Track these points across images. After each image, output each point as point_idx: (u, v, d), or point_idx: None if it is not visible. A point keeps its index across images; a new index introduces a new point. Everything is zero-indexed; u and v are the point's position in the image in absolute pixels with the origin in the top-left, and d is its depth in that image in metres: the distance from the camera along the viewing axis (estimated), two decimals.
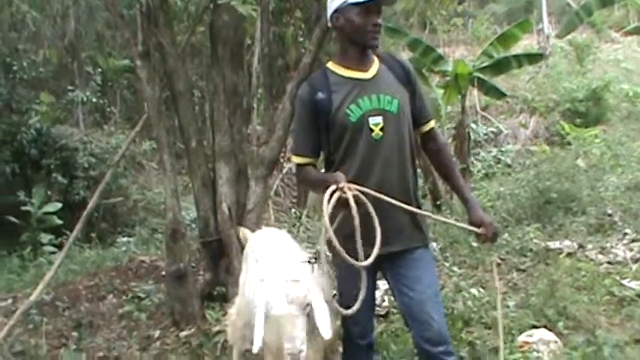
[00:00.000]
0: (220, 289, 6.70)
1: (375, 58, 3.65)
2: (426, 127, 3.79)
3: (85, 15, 16.39)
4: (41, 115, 14.79)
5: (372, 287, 3.72)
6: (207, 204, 6.87)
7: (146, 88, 6.82)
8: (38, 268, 9.73)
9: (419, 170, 3.80)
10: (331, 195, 3.25)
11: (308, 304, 3.33)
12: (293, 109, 6.32)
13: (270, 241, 4.46)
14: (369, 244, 3.23)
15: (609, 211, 7.92)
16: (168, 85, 7.04)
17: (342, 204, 3.27)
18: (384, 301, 5.84)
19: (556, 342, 4.84)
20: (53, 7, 15.77)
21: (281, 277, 3.41)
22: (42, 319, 6.97)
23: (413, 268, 3.49)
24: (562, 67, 19.90)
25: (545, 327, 5.11)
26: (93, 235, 11.28)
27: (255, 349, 3.26)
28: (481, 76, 11.68)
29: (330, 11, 3.56)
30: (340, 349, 3.99)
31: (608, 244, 7.09)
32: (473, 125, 15.94)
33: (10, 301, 8.04)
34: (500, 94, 12.54)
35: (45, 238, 11.96)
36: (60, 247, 10.11)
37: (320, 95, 3.51)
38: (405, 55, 13.18)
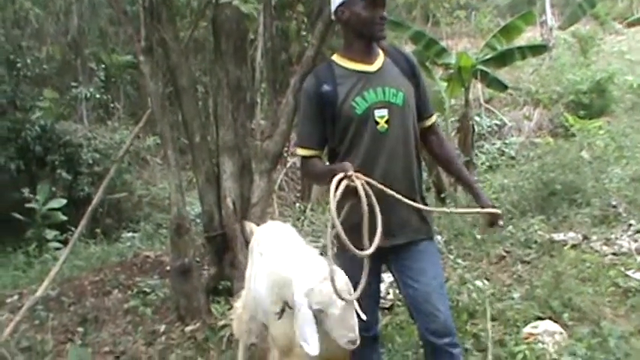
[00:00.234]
0: (225, 283, 6.71)
1: (380, 51, 3.65)
2: (429, 122, 3.80)
3: (88, 11, 16.46)
4: (44, 110, 14.80)
5: (377, 280, 3.73)
6: (212, 199, 6.89)
7: (149, 84, 6.84)
8: (43, 264, 9.75)
9: (422, 163, 3.78)
10: (338, 184, 3.24)
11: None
12: (296, 103, 6.35)
13: (275, 235, 4.46)
14: (374, 235, 3.23)
15: (614, 203, 7.90)
16: (171, 81, 7.05)
17: (349, 193, 3.27)
18: (388, 293, 5.85)
19: (561, 333, 4.84)
20: (56, 3, 15.83)
21: (314, 276, 3.37)
22: (48, 314, 7.00)
23: (418, 260, 3.49)
24: (565, 59, 19.86)
25: (550, 318, 5.11)
26: (98, 230, 11.29)
27: (315, 352, 3.22)
28: (484, 68, 11.65)
29: (334, 5, 3.56)
30: None
31: (612, 236, 7.08)
32: (477, 118, 15.91)
33: (16, 297, 8.07)
34: (502, 87, 12.51)
35: (50, 234, 11.98)
36: (65, 243, 10.12)
37: (325, 88, 3.52)
38: (408, 48, 13.17)
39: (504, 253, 7.03)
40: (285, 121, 6.71)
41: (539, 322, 5.01)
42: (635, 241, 6.83)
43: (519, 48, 11.82)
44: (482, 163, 14.43)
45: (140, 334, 6.49)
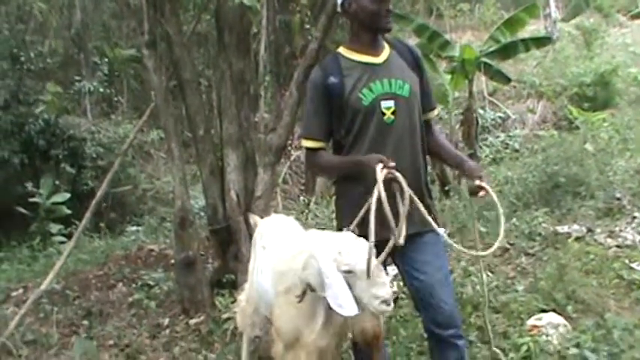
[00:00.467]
0: (229, 276, 6.71)
1: (386, 44, 3.66)
2: (430, 115, 3.81)
3: (91, 5, 16.46)
4: (47, 104, 14.81)
5: None
6: (216, 192, 6.89)
7: (153, 77, 6.84)
8: (48, 258, 9.78)
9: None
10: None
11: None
12: (300, 96, 6.35)
13: (278, 227, 4.46)
14: (382, 226, 3.23)
15: (618, 195, 7.89)
16: (174, 74, 7.04)
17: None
18: (392, 286, 5.85)
19: (565, 325, 4.84)
20: None
21: (337, 243, 3.35)
22: (52, 308, 7.02)
23: (423, 252, 3.50)
24: (569, 51, 19.82)
25: (554, 311, 5.11)
26: (102, 224, 11.32)
27: (354, 311, 3.17)
28: (488, 61, 11.64)
29: None
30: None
31: (616, 228, 7.07)
32: (480, 110, 15.91)
33: (20, 290, 8.09)
34: (506, 79, 12.50)
35: (54, 228, 11.99)
36: (69, 236, 10.14)
37: (332, 79, 3.53)
38: (411, 41, 13.15)
39: (508, 246, 7.03)
40: (288, 114, 6.71)
41: (543, 315, 5.00)
42: (639, 233, 6.82)
43: (523, 40, 11.80)
44: (486, 156, 14.43)
45: (144, 327, 6.50)
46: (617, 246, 6.60)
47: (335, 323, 3.53)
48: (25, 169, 14.20)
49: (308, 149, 3.70)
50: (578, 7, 15.43)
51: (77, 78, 16.59)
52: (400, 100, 3.52)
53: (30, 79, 15.33)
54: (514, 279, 6.05)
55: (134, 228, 11.81)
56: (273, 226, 4.51)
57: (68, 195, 12.91)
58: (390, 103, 3.49)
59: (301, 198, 12.30)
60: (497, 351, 4.34)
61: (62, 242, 10.94)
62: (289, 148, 14.27)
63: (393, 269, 4.88)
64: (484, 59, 11.55)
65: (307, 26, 13.33)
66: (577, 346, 4.48)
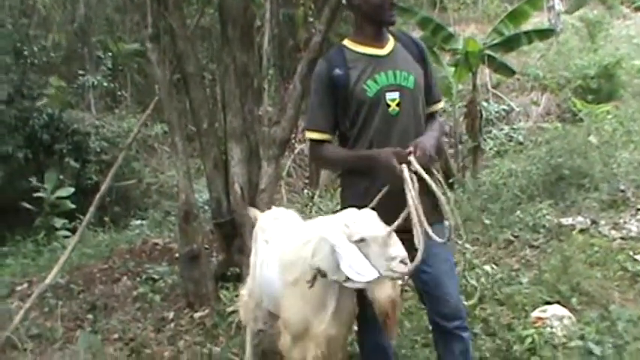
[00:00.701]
0: (234, 269, 6.72)
1: (390, 36, 3.66)
2: (435, 108, 3.81)
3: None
4: (49, 98, 14.81)
5: None
6: (220, 185, 6.90)
7: (157, 71, 6.85)
8: (52, 253, 9.80)
9: None
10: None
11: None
12: (304, 89, 6.35)
13: (279, 221, 4.46)
14: (393, 218, 3.23)
15: (622, 187, 7.89)
16: (178, 68, 7.05)
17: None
18: (402, 283, 5.85)
19: (569, 317, 4.83)
20: None
21: (344, 218, 3.36)
22: (57, 302, 7.04)
23: (429, 244, 3.49)
24: (573, 43, 19.75)
25: (558, 303, 5.11)
26: (106, 218, 11.35)
27: (374, 274, 3.14)
28: (491, 53, 11.62)
29: None
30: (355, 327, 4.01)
31: (621, 220, 7.07)
32: (484, 103, 15.88)
33: (25, 285, 8.11)
34: (510, 72, 12.48)
35: (58, 222, 12.02)
36: (73, 231, 10.16)
37: (337, 71, 3.53)
38: (415, 34, 13.14)
39: (512, 238, 7.04)
40: (292, 107, 6.70)
41: (547, 307, 5.00)
42: None
43: (526, 33, 11.77)
44: (490, 149, 14.41)
45: (149, 321, 6.51)
46: (622, 238, 6.61)
47: (344, 311, 3.54)
48: (30, 163, 14.21)
49: (312, 141, 3.69)
50: None
51: (81, 72, 16.62)
52: (405, 92, 3.52)
53: (34, 74, 15.35)
54: (518, 271, 6.05)
55: (138, 222, 11.83)
56: (274, 220, 4.52)
57: (72, 189, 12.93)
58: (395, 95, 3.49)
59: (305, 191, 12.29)
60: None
61: (66, 236, 10.97)
62: (293, 141, 14.27)
63: None
64: (488, 52, 11.53)
65: (311, 19, 13.35)
66: (581, 338, 4.48)
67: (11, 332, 6.10)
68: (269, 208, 5.12)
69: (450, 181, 10.34)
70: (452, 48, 12.10)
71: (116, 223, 11.83)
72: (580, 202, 7.69)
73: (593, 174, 8.20)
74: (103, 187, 7.74)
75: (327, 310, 3.49)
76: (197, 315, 6.43)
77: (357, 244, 3.20)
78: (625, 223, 6.99)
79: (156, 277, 7.51)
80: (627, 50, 18.49)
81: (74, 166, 14.40)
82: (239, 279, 6.30)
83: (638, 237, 6.54)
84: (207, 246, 7.50)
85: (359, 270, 3.15)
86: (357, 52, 3.57)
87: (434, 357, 4.02)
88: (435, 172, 3.44)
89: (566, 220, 7.18)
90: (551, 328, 4.70)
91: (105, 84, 16.63)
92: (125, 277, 7.88)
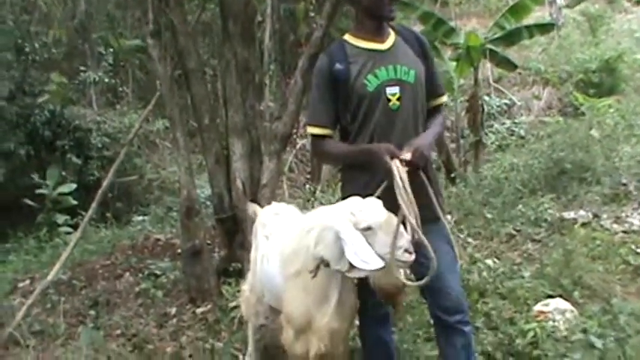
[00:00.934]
0: (236, 264, 6.72)
1: (391, 31, 3.66)
2: (438, 101, 3.80)
3: None
4: (51, 94, 14.82)
5: None
6: (221, 180, 6.90)
7: (158, 67, 6.85)
8: (54, 249, 9.80)
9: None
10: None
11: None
12: (305, 84, 6.35)
13: (280, 215, 4.47)
14: (394, 212, 3.23)
15: (624, 181, 7.89)
16: (180, 63, 7.05)
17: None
18: (407, 272, 5.86)
19: (572, 311, 4.84)
20: None
21: (349, 206, 3.37)
22: (59, 298, 7.04)
23: (429, 239, 3.49)
24: (575, 37, 19.76)
25: (560, 296, 5.12)
26: (108, 214, 11.33)
27: (379, 264, 3.15)
28: (493, 47, 11.63)
29: None
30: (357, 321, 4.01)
31: (623, 214, 7.08)
32: (486, 97, 15.91)
33: (27, 281, 8.12)
34: (512, 66, 12.48)
35: (60, 218, 12.01)
36: (75, 227, 10.16)
37: (338, 66, 3.53)
38: (416, 29, 13.11)
39: (514, 232, 7.04)
40: (294, 102, 6.70)
41: (549, 300, 5.01)
42: None
43: (527, 27, 11.77)
44: (492, 143, 14.43)
45: (151, 317, 6.52)
46: (624, 231, 6.62)
47: (347, 304, 3.55)
48: (31, 160, 14.20)
49: (314, 136, 3.69)
50: None
51: (82, 68, 16.60)
52: (405, 86, 3.52)
53: (35, 70, 15.34)
54: (520, 265, 6.05)
55: (140, 218, 11.83)
56: (274, 215, 4.52)
57: (74, 185, 12.92)
58: (395, 90, 3.49)
59: (307, 186, 12.30)
60: None
61: (68, 233, 10.96)
62: (295, 136, 14.28)
63: None
64: (489, 46, 11.53)
65: (312, 14, 13.34)
66: (584, 331, 4.48)
67: (14, 329, 6.11)
68: (270, 203, 5.12)
69: (452, 175, 10.35)
70: (453, 42, 12.10)
71: (118, 219, 11.81)
72: (582, 196, 7.69)
73: (595, 168, 8.20)
74: (105, 183, 7.75)
75: (330, 302, 3.49)
76: (199, 310, 6.43)
77: (364, 233, 3.20)
78: (627, 216, 6.99)
79: (158, 272, 7.51)
80: (629, 44, 18.49)
81: (76, 163, 14.39)
82: (241, 274, 6.29)
83: None
84: (209, 241, 7.50)
85: (365, 258, 3.15)
86: (358, 47, 3.57)
87: (436, 351, 4.02)
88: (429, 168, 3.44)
89: (568, 214, 7.19)
90: (554, 321, 4.70)
91: (106, 80, 16.62)
92: (127, 273, 7.88)
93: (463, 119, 12.67)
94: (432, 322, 3.83)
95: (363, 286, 3.51)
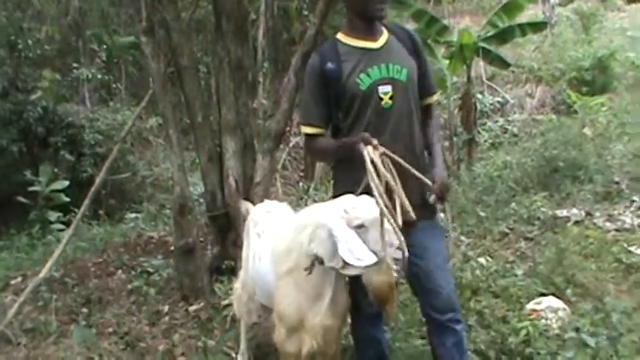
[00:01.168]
0: (229, 262, 6.71)
1: (384, 29, 3.66)
2: (429, 100, 3.81)
3: None
4: (43, 91, 14.78)
5: None
6: (214, 178, 6.90)
7: (151, 64, 6.83)
8: (47, 246, 9.76)
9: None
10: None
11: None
12: (298, 82, 6.35)
13: (272, 213, 4.47)
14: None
15: (616, 179, 7.91)
16: (173, 61, 7.03)
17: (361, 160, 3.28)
18: (397, 270, 5.86)
19: (564, 309, 4.85)
20: None
21: (342, 203, 3.37)
22: (51, 296, 7.01)
23: (421, 238, 3.49)
24: (568, 35, 19.77)
25: (553, 294, 5.13)
26: (101, 211, 11.31)
27: (373, 259, 3.15)
28: (486, 46, 11.63)
29: None
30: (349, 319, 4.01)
31: (615, 212, 7.09)
32: (479, 95, 15.92)
33: (19, 279, 8.08)
34: (505, 64, 12.48)
35: (53, 216, 11.96)
36: (68, 224, 10.13)
37: (330, 65, 3.53)
38: (409, 27, 13.11)
39: (507, 230, 7.06)
40: (287, 100, 6.71)
41: (542, 299, 5.02)
42: (638, 217, 6.85)
43: (520, 25, 11.78)
44: (485, 141, 14.44)
45: (144, 315, 6.50)
46: (616, 230, 6.63)
47: (340, 302, 3.56)
48: (24, 157, 14.18)
49: (307, 135, 3.70)
50: None
51: (75, 65, 16.56)
52: (398, 85, 3.52)
53: (28, 67, 15.30)
54: (513, 263, 6.07)
55: (133, 215, 11.78)
56: (266, 213, 4.52)
57: (67, 182, 12.87)
58: (388, 88, 3.50)
59: (300, 184, 12.32)
60: None
61: (61, 230, 10.92)
62: (288, 134, 14.27)
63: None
64: (482, 44, 11.54)
65: (305, 12, 13.34)
66: (576, 329, 4.50)
67: (5, 326, 6.08)
68: (263, 201, 5.13)
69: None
70: (446, 40, 12.10)
71: (111, 216, 11.79)
72: (574, 194, 7.71)
73: (588, 166, 8.23)
74: (98, 181, 7.72)
75: (324, 300, 3.50)
76: (192, 308, 6.42)
77: (357, 230, 3.21)
78: (619, 214, 7.01)
79: (151, 270, 7.50)
80: (621, 42, 18.50)
81: (69, 160, 14.37)
82: (234, 272, 6.28)
83: (633, 229, 6.57)
84: (202, 239, 7.49)
85: (358, 255, 3.15)
86: (350, 46, 3.57)
87: (428, 349, 4.02)
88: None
89: (561, 212, 7.20)
90: (546, 320, 4.71)
91: (99, 77, 16.59)
92: (120, 271, 7.86)
93: (456, 117, 12.67)
94: (424, 320, 3.83)
95: (355, 284, 3.51)
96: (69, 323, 6.52)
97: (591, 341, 4.30)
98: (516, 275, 5.58)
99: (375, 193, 3.16)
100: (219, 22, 6.94)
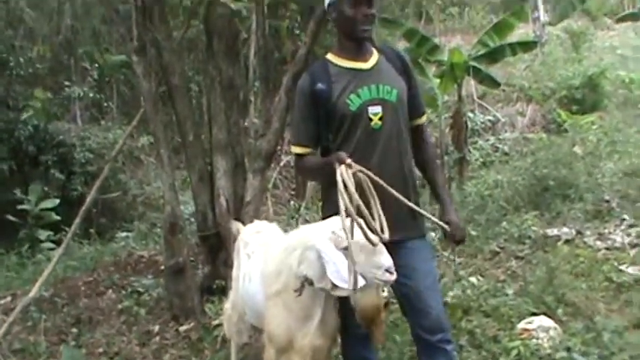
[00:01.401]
0: (219, 282, 6.70)
1: (374, 50, 3.67)
2: (418, 121, 3.81)
3: (80, 11, 16.40)
4: (35, 111, 14.77)
5: None
6: (205, 197, 6.90)
7: (142, 83, 6.84)
8: (37, 265, 9.72)
9: None
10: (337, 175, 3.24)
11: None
12: (289, 102, 6.37)
13: (262, 234, 4.47)
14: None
15: (607, 197, 7.92)
16: (164, 80, 7.04)
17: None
18: (383, 291, 5.84)
19: (555, 328, 4.84)
20: (49, 3, 15.79)
21: (330, 225, 3.35)
22: (41, 315, 6.98)
23: (410, 258, 3.49)
24: (558, 54, 19.88)
25: (544, 314, 5.12)
26: (91, 230, 11.26)
27: (360, 284, 3.13)
28: (476, 65, 11.67)
29: (326, 5, 3.59)
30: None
31: (605, 230, 7.10)
32: (470, 114, 15.96)
33: (9, 298, 8.04)
34: (495, 84, 12.53)
35: (43, 234, 11.94)
36: (58, 243, 10.10)
37: (320, 86, 3.52)
38: (401, 46, 13.18)
39: (498, 249, 7.06)
40: (278, 120, 6.72)
41: (533, 318, 5.01)
42: (628, 235, 6.85)
43: (510, 44, 11.84)
44: (476, 160, 14.46)
45: (134, 335, 6.49)
46: (607, 248, 6.64)
47: (329, 322, 3.54)
48: (14, 175, 14.15)
49: (297, 155, 3.70)
50: (565, 10, 15.54)
51: (67, 83, 16.56)
52: (387, 106, 3.52)
53: (19, 85, 15.30)
54: (504, 282, 6.07)
55: (124, 234, 11.75)
56: (256, 233, 4.52)
57: (57, 201, 12.86)
58: (378, 109, 3.49)
59: (291, 203, 12.31)
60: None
61: (51, 249, 10.89)
62: (279, 153, 14.27)
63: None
64: (473, 63, 11.58)
65: (297, 31, 13.37)
66: (567, 349, 4.49)
67: None
68: (254, 221, 5.12)
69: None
70: (437, 59, 12.14)
71: (102, 235, 11.74)
72: (565, 213, 7.72)
73: (578, 184, 8.24)
74: (89, 199, 7.70)
75: (313, 320, 3.49)
76: (182, 328, 6.40)
77: (344, 252, 3.20)
78: (610, 233, 7.02)
79: (141, 290, 7.47)
80: (611, 61, 18.63)
81: (59, 178, 14.34)
82: (224, 292, 6.27)
83: (623, 247, 6.57)
84: (192, 258, 7.48)
85: (344, 279, 3.15)
86: (341, 67, 3.57)
87: None
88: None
89: (552, 231, 7.21)
90: (537, 339, 4.70)
91: (91, 95, 16.58)
92: (110, 290, 7.83)
93: (447, 136, 12.70)
94: (414, 340, 3.81)
95: (345, 305, 3.50)
96: (58, 344, 6.50)
97: None
98: (507, 294, 5.58)
99: (342, 212, 3.16)
100: (210, 42, 6.97)
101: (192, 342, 6.06)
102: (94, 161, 14.79)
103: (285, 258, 3.51)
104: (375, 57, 3.62)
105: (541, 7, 20.99)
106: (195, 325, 6.35)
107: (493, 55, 11.73)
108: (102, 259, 9.41)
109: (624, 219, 7.31)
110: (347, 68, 3.56)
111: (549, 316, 5.06)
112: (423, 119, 3.84)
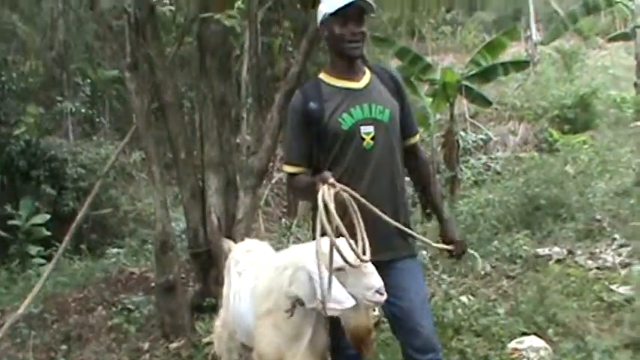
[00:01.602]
0: (210, 299, 6.68)
1: (366, 69, 3.67)
2: (411, 141, 3.80)
3: (73, 27, 16.42)
4: (27, 127, 14.75)
5: None
6: (197, 215, 6.89)
7: (135, 100, 6.83)
8: (27, 281, 9.68)
9: (408, 178, 3.80)
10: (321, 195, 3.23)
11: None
12: (281, 120, 6.36)
13: (253, 253, 4.46)
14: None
15: (598, 217, 7.93)
16: (156, 96, 7.04)
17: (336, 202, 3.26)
18: (374, 310, 5.84)
19: (546, 349, 4.84)
20: (43, 18, 15.80)
21: (320, 246, 3.34)
22: (30, 332, 6.95)
23: (400, 278, 3.49)
24: (550, 74, 20.00)
25: (535, 334, 5.11)
26: (82, 246, 11.24)
27: (352, 302, 3.15)
28: (469, 84, 11.71)
29: (318, 23, 3.60)
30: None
31: (597, 250, 7.10)
32: (462, 133, 16.01)
33: None
34: (486, 103, 12.58)
35: (33, 250, 11.92)
36: (49, 259, 10.06)
37: (312, 105, 3.52)
38: (393, 64, 13.21)
39: (490, 268, 7.04)
40: (270, 137, 6.72)
41: (524, 338, 5.00)
42: (620, 255, 6.84)
43: (502, 64, 11.92)
44: (467, 178, 14.48)
45: (124, 352, 6.46)
46: (598, 268, 6.62)
47: (319, 342, 3.53)
48: (5, 190, 14.12)
49: (289, 174, 3.70)
50: (557, 29, 15.63)
51: (59, 98, 16.56)
52: (380, 126, 3.52)
53: (11, 100, 15.28)
54: (495, 302, 6.05)
55: (115, 250, 11.71)
56: (247, 252, 4.52)
57: (48, 216, 12.85)
58: (370, 129, 3.49)
59: (283, 220, 12.30)
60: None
61: (42, 264, 10.86)
62: (271, 169, 14.27)
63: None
64: (465, 82, 11.62)
65: (290, 49, 13.40)
66: None
67: None
68: (246, 237, 5.12)
69: (427, 211, 10.35)
70: (429, 78, 12.19)
71: (93, 251, 11.72)
72: (556, 232, 7.72)
73: (570, 204, 8.25)
74: (80, 215, 7.69)
75: (303, 340, 3.48)
76: (173, 346, 6.37)
77: (335, 273, 3.19)
78: (601, 252, 7.01)
79: (131, 307, 7.45)
80: (603, 80, 18.74)
81: (51, 193, 14.32)
82: (215, 309, 6.23)
83: (614, 267, 6.56)
84: (183, 275, 7.46)
85: (337, 300, 3.15)
86: (333, 86, 3.57)
87: None
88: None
89: (543, 251, 7.21)
90: (528, 359, 4.70)
91: (83, 110, 16.62)
92: (100, 307, 7.80)
93: (439, 154, 12.74)
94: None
95: (335, 325, 3.49)
96: None
97: None
98: (498, 314, 5.56)
99: (317, 232, 3.16)
100: (203, 59, 6.98)
101: (182, 359, 6.03)
102: (86, 177, 14.79)
103: (276, 277, 3.50)
104: (367, 76, 3.62)
105: (533, 26, 21.16)
106: (185, 343, 6.32)
107: (485, 75, 11.79)
108: (92, 276, 9.38)
109: (615, 238, 7.31)
110: (339, 87, 3.56)
111: (540, 336, 5.05)
112: (416, 138, 3.84)
